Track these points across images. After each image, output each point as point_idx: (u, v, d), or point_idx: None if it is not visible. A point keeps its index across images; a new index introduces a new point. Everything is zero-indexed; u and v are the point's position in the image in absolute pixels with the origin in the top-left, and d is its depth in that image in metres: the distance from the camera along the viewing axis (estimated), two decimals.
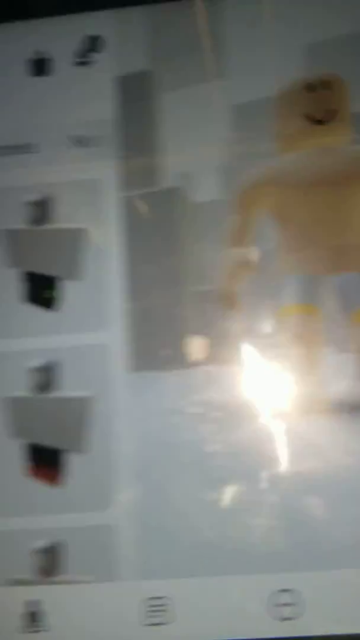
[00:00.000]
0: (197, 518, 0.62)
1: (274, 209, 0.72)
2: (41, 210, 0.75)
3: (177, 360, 0.68)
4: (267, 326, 0.67)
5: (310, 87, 0.71)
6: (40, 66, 0.78)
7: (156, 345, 0.69)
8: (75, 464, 0.60)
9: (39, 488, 0.60)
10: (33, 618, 0.56)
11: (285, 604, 0.54)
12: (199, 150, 0.73)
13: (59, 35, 0.78)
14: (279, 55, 0.73)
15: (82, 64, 0.79)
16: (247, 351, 0.66)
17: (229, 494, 0.61)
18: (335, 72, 0.72)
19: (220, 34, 0.75)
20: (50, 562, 0.58)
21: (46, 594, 0.57)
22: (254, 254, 0.70)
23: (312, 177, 0.70)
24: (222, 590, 0.57)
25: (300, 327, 0.66)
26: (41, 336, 0.70)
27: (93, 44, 0.78)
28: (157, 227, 0.74)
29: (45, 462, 0.62)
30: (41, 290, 0.72)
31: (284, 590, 0.54)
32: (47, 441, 0.64)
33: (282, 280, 0.69)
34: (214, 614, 0.56)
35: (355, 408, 0.62)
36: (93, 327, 0.70)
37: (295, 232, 0.70)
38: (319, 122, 0.71)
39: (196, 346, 0.67)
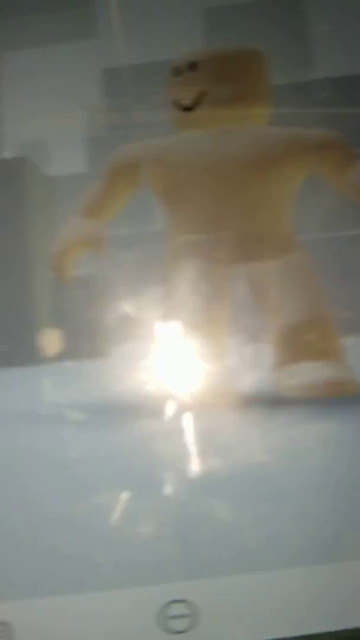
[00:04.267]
0: (58, 531, 0.52)
1: (160, 191, 0.63)
2: None
3: (25, 355, 0.57)
4: (153, 314, 0.57)
5: (177, 71, 0.64)
6: None
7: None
8: None
9: None
10: None
11: (178, 616, 0.45)
12: (56, 118, 0.63)
13: None
14: (170, 15, 0.65)
15: None
16: (127, 343, 0.57)
17: (97, 502, 0.52)
18: (224, 46, 0.65)
19: None
20: None
21: None
22: (99, 230, 0.61)
23: (212, 160, 0.62)
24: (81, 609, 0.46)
25: (199, 316, 0.58)
26: None
27: None
28: None
29: None
30: None
31: (176, 602, 0.44)
32: None
33: (174, 265, 0.60)
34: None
35: (266, 401, 0.54)
36: None
37: (191, 216, 0.61)
38: (187, 108, 0.63)
39: (50, 340, 0.56)
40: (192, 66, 0.62)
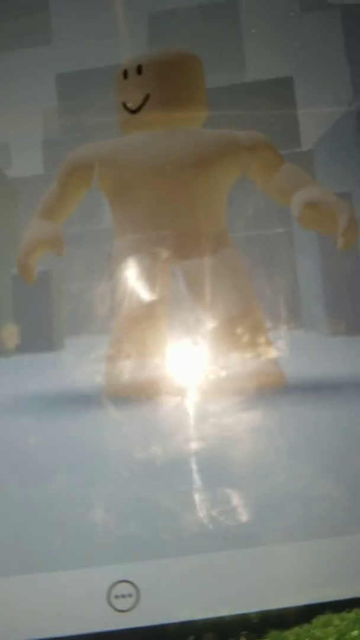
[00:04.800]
0: (14, 515, 0.54)
1: (108, 192, 0.66)
2: None
3: None
4: (97, 308, 0.60)
5: (125, 74, 0.66)
6: None
7: None
8: None
9: None
10: None
11: (123, 596, 0.48)
12: (16, 122, 0.65)
13: None
14: (119, 21, 0.67)
15: None
16: (73, 337, 0.59)
17: (51, 487, 0.54)
18: (166, 50, 0.67)
19: None
20: None
21: None
22: (59, 231, 0.64)
23: (153, 161, 0.64)
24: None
25: (141, 310, 0.60)
26: None
27: None
28: None
29: None
30: None
31: (121, 582, 0.47)
32: None
33: (120, 262, 0.63)
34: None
35: (199, 391, 0.57)
36: None
37: (133, 215, 0.64)
38: (133, 111, 0.65)
39: (9, 334, 0.58)
40: (138, 69, 0.64)
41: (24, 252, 0.62)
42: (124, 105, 0.64)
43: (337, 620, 0.41)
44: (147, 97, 0.63)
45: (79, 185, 0.65)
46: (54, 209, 0.64)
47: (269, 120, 0.63)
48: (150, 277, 0.61)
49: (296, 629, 0.44)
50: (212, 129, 0.64)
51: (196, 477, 0.54)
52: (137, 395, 0.58)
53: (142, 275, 0.61)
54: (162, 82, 0.63)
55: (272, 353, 0.60)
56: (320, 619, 0.44)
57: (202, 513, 0.51)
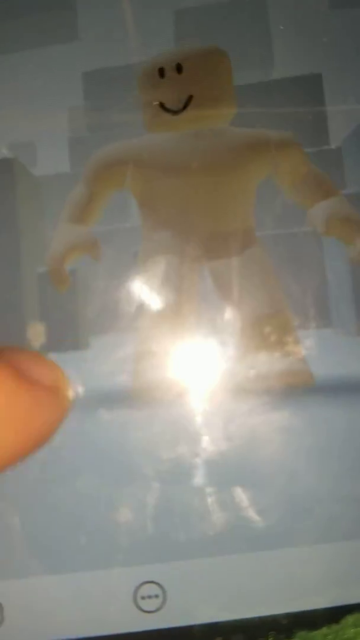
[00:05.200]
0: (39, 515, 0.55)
1: (136, 191, 0.66)
2: None
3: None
4: (124, 307, 0.60)
5: (161, 72, 0.65)
6: None
7: None
8: None
9: None
10: None
11: (150, 596, 0.48)
12: (42, 119, 0.65)
13: None
14: (144, 18, 0.67)
15: None
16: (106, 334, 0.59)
17: (79, 489, 0.55)
18: (198, 47, 0.66)
19: None
20: None
21: None
22: (92, 234, 0.63)
23: (183, 160, 0.64)
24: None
25: (168, 310, 0.60)
26: None
27: None
28: None
29: None
30: None
31: (148, 582, 0.48)
32: None
33: (147, 261, 0.62)
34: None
35: (228, 391, 0.57)
36: None
37: (163, 215, 0.64)
38: (174, 111, 0.65)
39: (36, 332, 0.58)
40: (178, 68, 0.63)
41: (58, 258, 0.61)
42: (162, 105, 0.63)
43: None
44: (190, 98, 0.63)
45: (109, 185, 0.65)
46: (84, 212, 0.64)
47: (297, 117, 0.62)
48: (178, 276, 0.61)
49: (324, 629, 0.43)
50: (241, 128, 0.64)
51: (223, 478, 0.54)
52: (164, 395, 0.57)
53: (169, 274, 0.61)
54: (205, 82, 0.62)
55: (301, 352, 0.59)
56: (349, 619, 0.44)
57: (229, 514, 0.51)
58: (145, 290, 0.61)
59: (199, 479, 0.54)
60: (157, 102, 0.64)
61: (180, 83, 0.63)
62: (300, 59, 0.65)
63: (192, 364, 0.59)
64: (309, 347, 0.59)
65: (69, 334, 0.62)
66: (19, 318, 0.62)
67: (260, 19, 0.64)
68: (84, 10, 0.68)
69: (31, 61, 0.68)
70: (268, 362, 0.59)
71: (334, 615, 0.44)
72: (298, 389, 0.58)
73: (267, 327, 0.60)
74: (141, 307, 0.61)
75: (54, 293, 0.63)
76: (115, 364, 0.60)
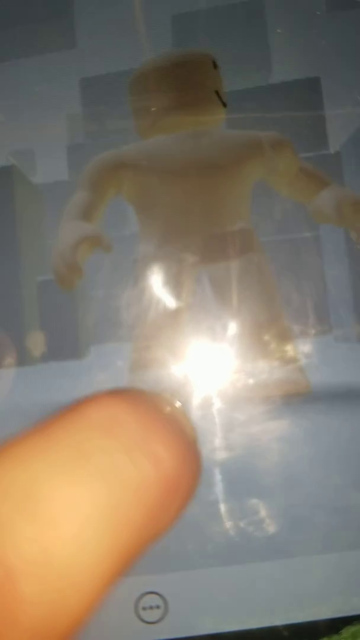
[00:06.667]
0: None
1: (133, 197, 0.65)
2: None
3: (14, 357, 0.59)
4: (123, 315, 0.59)
5: (153, 78, 0.64)
6: None
7: None
8: None
9: None
10: None
11: (151, 607, 0.48)
12: (40, 127, 0.65)
13: None
14: (141, 25, 0.66)
15: None
16: (104, 343, 0.59)
17: None
18: (188, 52, 0.65)
19: None
20: None
21: None
22: (100, 231, 0.63)
23: (178, 164, 0.63)
24: None
25: (166, 317, 0.59)
26: None
27: None
28: None
29: None
30: None
31: (150, 593, 0.48)
32: None
33: (145, 268, 0.62)
34: None
35: (225, 399, 0.56)
36: None
37: (160, 220, 0.63)
38: (223, 103, 0.64)
39: (35, 341, 0.58)
40: (170, 73, 0.63)
41: (69, 250, 0.60)
42: (217, 92, 0.63)
43: None
44: (182, 100, 0.63)
45: (108, 188, 0.65)
46: (87, 213, 0.63)
47: (296, 121, 0.62)
48: (176, 283, 0.60)
49: None
50: (233, 130, 0.64)
51: (223, 488, 0.54)
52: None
53: (167, 281, 0.60)
54: (195, 87, 0.62)
55: (298, 361, 0.59)
56: (350, 629, 0.44)
57: (229, 524, 0.51)
58: (143, 299, 0.61)
59: (199, 489, 0.53)
60: (213, 90, 0.64)
61: (171, 88, 0.63)
62: (298, 62, 0.64)
63: (190, 372, 0.58)
64: (308, 353, 0.59)
65: (68, 343, 0.62)
66: (18, 326, 0.62)
67: (257, 23, 0.64)
68: (81, 18, 0.68)
69: (29, 69, 0.68)
70: (266, 371, 0.58)
71: (334, 626, 0.44)
72: (296, 397, 0.58)
73: (265, 335, 0.59)
74: (139, 316, 0.60)
75: (53, 302, 0.62)
76: (114, 373, 0.60)
